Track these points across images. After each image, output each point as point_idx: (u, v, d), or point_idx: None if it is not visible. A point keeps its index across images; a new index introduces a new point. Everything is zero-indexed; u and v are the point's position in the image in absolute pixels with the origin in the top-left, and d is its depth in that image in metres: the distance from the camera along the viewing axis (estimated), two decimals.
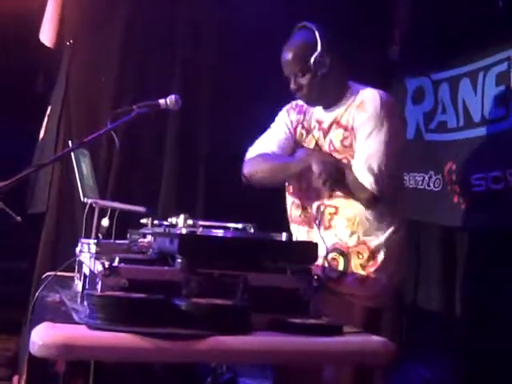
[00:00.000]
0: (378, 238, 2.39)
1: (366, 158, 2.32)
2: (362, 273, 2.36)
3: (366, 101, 2.38)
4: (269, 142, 2.58)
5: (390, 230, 2.40)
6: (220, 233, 1.90)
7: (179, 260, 1.75)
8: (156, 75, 3.89)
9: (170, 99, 2.31)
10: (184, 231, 1.87)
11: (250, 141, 2.66)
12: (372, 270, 2.36)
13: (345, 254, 2.37)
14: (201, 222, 2.04)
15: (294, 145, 2.56)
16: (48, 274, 2.54)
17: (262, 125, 2.70)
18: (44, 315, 1.71)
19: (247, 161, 2.57)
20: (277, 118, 2.65)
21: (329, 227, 2.41)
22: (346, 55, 2.48)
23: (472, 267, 3.16)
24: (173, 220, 2.05)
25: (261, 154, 2.55)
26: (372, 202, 2.35)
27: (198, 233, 1.89)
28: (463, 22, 3.19)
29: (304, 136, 2.55)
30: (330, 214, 2.41)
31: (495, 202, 3.00)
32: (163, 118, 3.78)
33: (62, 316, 1.70)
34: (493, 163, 3.00)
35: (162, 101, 2.31)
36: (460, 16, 3.21)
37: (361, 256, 2.36)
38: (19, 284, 3.70)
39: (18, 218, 2.20)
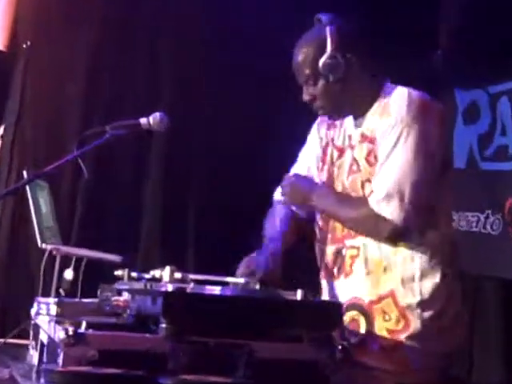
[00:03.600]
0: (412, 291, 2.36)
1: (386, 182, 2.26)
2: (389, 339, 2.31)
3: (391, 103, 2.33)
4: None
5: (430, 278, 2.34)
6: (216, 290, 1.90)
7: (164, 325, 1.75)
8: (136, 87, 3.93)
9: (154, 118, 2.33)
10: (170, 288, 1.87)
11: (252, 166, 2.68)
12: (403, 336, 2.30)
13: (366, 313, 2.32)
14: (192, 276, 2.04)
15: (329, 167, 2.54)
16: None
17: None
18: None
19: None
20: (308, 137, 2.63)
21: (350, 273, 2.38)
22: (373, 52, 2.42)
23: None
24: (156, 273, 2.05)
25: (271, 210, 2.58)
26: (397, 235, 2.30)
27: (189, 290, 1.89)
28: None
29: (335, 158, 2.51)
30: (351, 256, 2.38)
31: None
32: (145, 142, 3.81)
33: None
34: None
35: (143, 120, 2.33)
36: None
37: (387, 317, 2.30)
38: None
39: None
